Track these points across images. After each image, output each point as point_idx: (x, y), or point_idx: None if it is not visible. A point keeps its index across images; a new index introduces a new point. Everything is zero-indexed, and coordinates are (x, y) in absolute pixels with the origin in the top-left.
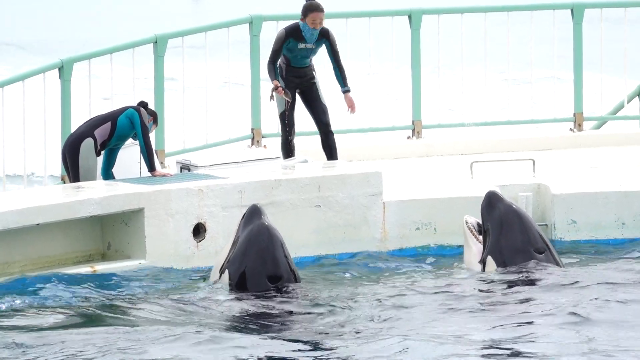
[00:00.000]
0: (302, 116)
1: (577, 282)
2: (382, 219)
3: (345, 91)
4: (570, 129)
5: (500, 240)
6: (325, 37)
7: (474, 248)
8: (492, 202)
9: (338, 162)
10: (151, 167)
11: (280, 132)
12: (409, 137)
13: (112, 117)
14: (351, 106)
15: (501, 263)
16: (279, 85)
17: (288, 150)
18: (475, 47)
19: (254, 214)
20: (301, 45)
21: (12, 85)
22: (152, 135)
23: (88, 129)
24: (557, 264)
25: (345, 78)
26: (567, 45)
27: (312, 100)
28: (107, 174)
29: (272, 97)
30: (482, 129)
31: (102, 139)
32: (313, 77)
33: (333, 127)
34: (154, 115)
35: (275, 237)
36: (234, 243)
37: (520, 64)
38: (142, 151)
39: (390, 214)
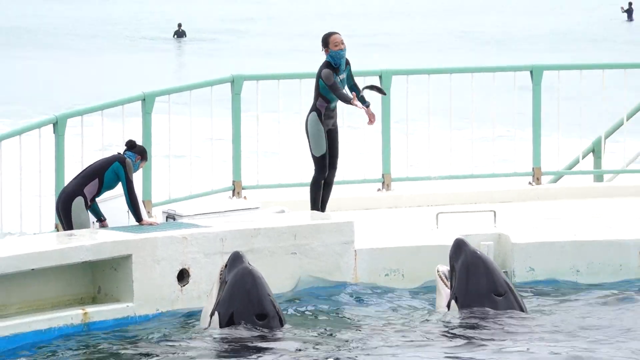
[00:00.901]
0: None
1: (534, 325)
2: (354, 265)
3: (368, 105)
4: (529, 183)
5: (463, 285)
6: (348, 64)
7: (443, 293)
8: (458, 248)
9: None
10: (138, 219)
11: (313, 172)
12: (379, 190)
13: (99, 173)
14: (372, 117)
15: (463, 306)
16: (355, 98)
17: (318, 188)
18: (441, 105)
19: (236, 259)
20: (339, 78)
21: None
22: (139, 173)
23: (77, 188)
24: (520, 307)
25: (363, 95)
26: (526, 104)
27: (332, 143)
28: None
29: (360, 98)
30: (447, 182)
31: (92, 195)
32: (336, 121)
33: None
34: (141, 153)
35: (258, 278)
36: (220, 287)
37: (483, 121)
38: (128, 204)
39: (361, 261)
